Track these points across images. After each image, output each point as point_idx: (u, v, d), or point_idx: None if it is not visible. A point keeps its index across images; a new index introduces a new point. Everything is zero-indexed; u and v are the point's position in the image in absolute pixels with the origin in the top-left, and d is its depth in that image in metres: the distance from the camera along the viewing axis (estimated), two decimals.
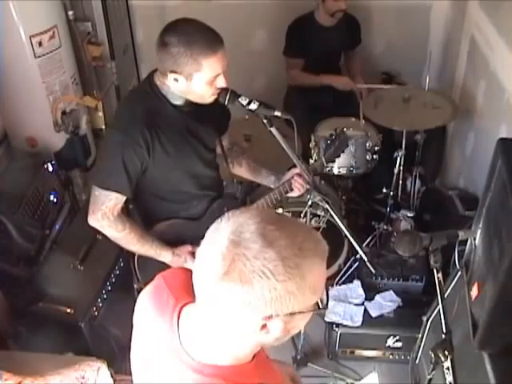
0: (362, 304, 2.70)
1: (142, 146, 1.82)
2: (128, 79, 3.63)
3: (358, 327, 2.64)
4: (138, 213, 2.09)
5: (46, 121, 2.92)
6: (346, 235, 2.05)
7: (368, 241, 3.05)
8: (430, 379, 1.73)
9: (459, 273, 2.13)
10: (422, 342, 2.45)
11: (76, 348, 2.34)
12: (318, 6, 3.40)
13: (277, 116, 1.91)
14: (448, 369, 1.56)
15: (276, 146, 1.96)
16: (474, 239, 1.96)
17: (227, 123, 2.17)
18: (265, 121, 1.89)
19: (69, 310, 2.38)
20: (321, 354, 2.82)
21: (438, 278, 1.63)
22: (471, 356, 1.86)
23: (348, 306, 2.68)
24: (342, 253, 2.91)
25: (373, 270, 2.41)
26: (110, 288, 2.56)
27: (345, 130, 2.36)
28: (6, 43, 2.67)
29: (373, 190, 3.49)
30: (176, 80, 1.79)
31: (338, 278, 2.86)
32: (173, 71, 1.77)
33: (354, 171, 2.95)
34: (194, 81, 1.78)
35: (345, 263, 2.91)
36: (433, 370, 1.67)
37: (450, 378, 1.56)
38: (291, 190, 2.13)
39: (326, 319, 2.67)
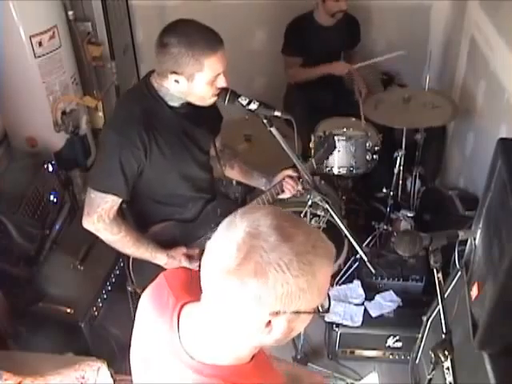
0: (362, 304, 2.70)
1: (140, 148, 1.81)
2: (128, 79, 3.63)
3: (358, 327, 2.64)
4: (132, 215, 2.07)
5: (46, 121, 2.92)
6: (345, 235, 2.05)
7: (368, 241, 3.05)
8: (430, 379, 1.72)
9: (459, 273, 2.13)
10: (422, 342, 2.45)
11: (76, 348, 2.34)
12: (318, 5, 3.40)
13: (277, 116, 1.91)
14: (448, 369, 1.56)
15: (276, 145, 1.96)
16: (474, 239, 1.96)
17: (220, 125, 2.17)
18: (265, 121, 1.89)
19: (69, 310, 2.38)
20: (321, 354, 2.82)
21: (438, 278, 1.63)
22: (471, 356, 1.86)
23: (348, 306, 2.68)
24: (342, 253, 2.90)
25: (373, 270, 2.41)
26: (109, 288, 2.56)
27: (333, 132, 2.37)
28: (6, 43, 2.67)
29: (373, 189, 3.49)
30: (177, 81, 1.78)
31: (338, 278, 2.86)
32: (174, 72, 1.76)
33: (354, 171, 2.96)
34: (196, 81, 1.77)
35: (345, 263, 2.91)
36: (433, 370, 1.67)
37: (449, 378, 1.56)
38: (282, 191, 2.13)
39: (326, 319, 2.67)
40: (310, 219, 2.57)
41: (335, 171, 2.95)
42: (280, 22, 3.52)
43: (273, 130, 1.91)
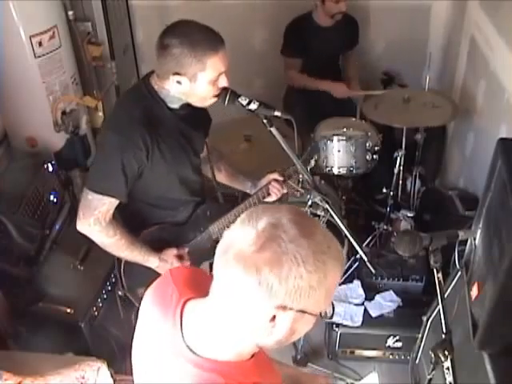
0: (362, 304, 2.70)
1: (142, 149, 1.80)
2: (128, 79, 3.63)
3: (358, 327, 2.64)
4: (123, 218, 2.02)
5: (46, 121, 2.92)
6: (345, 235, 2.05)
7: (368, 241, 3.05)
8: (430, 379, 1.72)
9: (459, 273, 2.13)
10: (422, 342, 2.45)
11: (76, 348, 2.34)
12: (317, 6, 3.40)
13: (277, 116, 1.91)
14: (448, 369, 1.56)
15: (276, 145, 1.96)
16: (474, 239, 1.96)
17: (209, 128, 2.16)
18: (265, 121, 1.89)
19: (69, 310, 2.38)
20: (321, 354, 2.82)
21: (438, 278, 1.63)
22: (471, 356, 1.86)
23: (348, 306, 2.68)
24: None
25: (373, 270, 2.41)
26: (109, 288, 2.56)
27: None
28: (6, 43, 2.67)
29: (373, 189, 3.49)
30: (179, 82, 1.77)
31: None
32: (176, 73, 1.75)
33: (354, 171, 2.96)
34: (198, 81, 1.77)
35: (345, 263, 2.91)
36: (433, 370, 1.67)
37: (449, 378, 1.56)
38: (268, 194, 2.14)
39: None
40: None
41: (335, 171, 2.95)
42: (280, 22, 3.52)
43: (273, 130, 1.91)
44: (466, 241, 2.01)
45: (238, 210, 2.13)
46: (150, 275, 1.87)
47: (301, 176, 2.22)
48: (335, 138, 2.90)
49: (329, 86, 3.45)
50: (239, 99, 1.85)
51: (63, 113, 2.97)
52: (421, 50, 3.75)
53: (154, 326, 1.09)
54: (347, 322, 2.64)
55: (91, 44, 3.20)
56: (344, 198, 3.20)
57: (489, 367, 1.79)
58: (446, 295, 2.09)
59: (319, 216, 2.77)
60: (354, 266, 2.86)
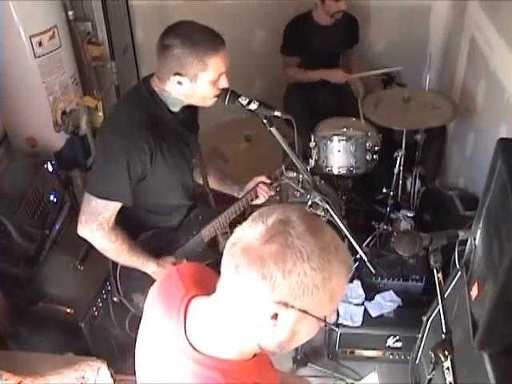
0: (362, 304, 2.70)
1: (146, 153, 1.78)
2: (128, 79, 3.63)
3: (358, 327, 2.64)
4: (118, 223, 1.97)
5: (46, 121, 2.92)
6: (345, 235, 2.05)
7: (368, 241, 3.05)
8: (430, 379, 1.72)
9: (459, 273, 2.13)
10: (422, 342, 2.45)
11: (76, 348, 2.35)
12: (317, 5, 3.41)
13: (277, 116, 1.91)
14: (448, 369, 1.56)
15: (276, 145, 1.96)
16: (474, 239, 1.96)
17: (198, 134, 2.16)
18: (265, 121, 1.89)
19: (69, 310, 2.39)
20: (321, 354, 2.82)
21: (438, 278, 1.63)
22: (471, 356, 1.86)
23: (348, 306, 2.68)
24: None
25: (373, 270, 2.41)
26: (110, 288, 2.56)
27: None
28: (6, 43, 2.66)
29: (373, 189, 3.49)
30: (180, 83, 1.77)
31: None
32: (177, 73, 1.74)
33: (354, 171, 2.96)
34: (199, 81, 1.76)
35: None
36: (433, 370, 1.67)
37: (449, 378, 1.56)
38: (257, 197, 2.15)
39: None
40: None
41: (335, 171, 2.95)
42: (280, 22, 3.52)
43: (273, 130, 1.90)
44: (466, 241, 2.01)
45: (228, 214, 2.14)
46: (145, 281, 1.88)
47: (301, 176, 2.22)
48: (335, 138, 2.90)
49: (327, 73, 3.45)
50: (239, 99, 1.85)
51: (63, 113, 2.97)
52: (421, 49, 3.76)
53: (158, 322, 1.10)
54: (347, 322, 2.64)
55: (91, 44, 3.19)
56: (344, 198, 3.20)
57: (489, 367, 1.79)
58: (446, 295, 2.09)
59: (319, 216, 2.77)
60: (354, 266, 2.85)
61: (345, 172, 2.95)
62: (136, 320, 1.24)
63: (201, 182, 2.22)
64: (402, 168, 3.09)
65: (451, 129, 3.66)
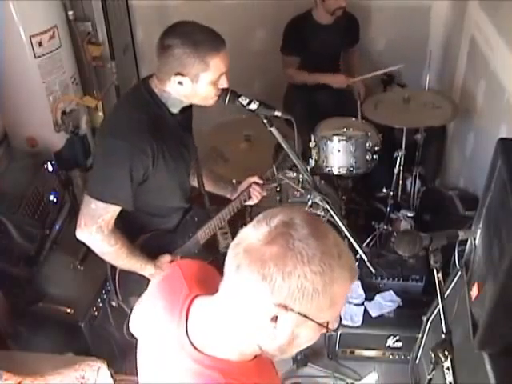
0: (362, 304, 2.70)
1: (149, 156, 1.77)
2: (128, 79, 3.63)
3: (358, 327, 2.64)
4: (117, 226, 1.96)
5: (46, 121, 2.92)
6: (346, 235, 2.06)
7: (368, 241, 3.05)
8: (430, 379, 1.73)
9: (459, 273, 2.13)
10: (422, 342, 2.45)
11: (76, 348, 2.34)
12: (317, 4, 3.40)
13: (277, 116, 1.91)
14: (448, 369, 1.56)
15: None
16: (474, 239, 1.96)
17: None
18: (265, 121, 1.89)
19: (69, 310, 2.39)
20: (321, 354, 2.82)
21: (438, 278, 1.63)
22: (471, 356, 1.86)
23: (348, 306, 2.68)
24: None
25: (373, 270, 2.41)
26: (109, 288, 2.56)
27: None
28: (6, 43, 2.67)
29: (373, 189, 3.49)
30: (180, 83, 1.76)
31: None
32: (178, 73, 1.74)
33: (354, 171, 2.96)
34: (200, 82, 1.76)
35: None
36: (433, 370, 1.67)
37: (449, 378, 1.56)
38: (250, 198, 2.15)
39: None
40: None
41: (335, 171, 2.95)
42: (280, 21, 3.52)
43: (273, 130, 1.91)
44: (466, 241, 2.01)
45: (223, 215, 2.14)
46: (143, 284, 1.88)
47: (301, 176, 2.22)
48: (335, 138, 2.90)
49: (328, 78, 3.45)
50: (239, 99, 1.85)
51: (63, 113, 2.97)
52: (421, 49, 3.75)
53: (159, 322, 1.09)
54: (347, 322, 2.64)
55: (91, 44, 3.20)
56: (344, 198, 3.20)
57: (489, 367, 1.79)
58: (446, 295, 2.09)
59: (319, 216, 2.77)
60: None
61: (345, 172, 2.95)
62: None
63: (195, 184, 2.21)
64: (401, 168, 3.09)
65: (451, 129, 3.66)
